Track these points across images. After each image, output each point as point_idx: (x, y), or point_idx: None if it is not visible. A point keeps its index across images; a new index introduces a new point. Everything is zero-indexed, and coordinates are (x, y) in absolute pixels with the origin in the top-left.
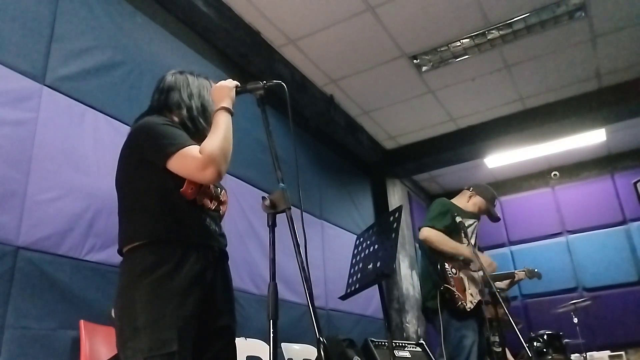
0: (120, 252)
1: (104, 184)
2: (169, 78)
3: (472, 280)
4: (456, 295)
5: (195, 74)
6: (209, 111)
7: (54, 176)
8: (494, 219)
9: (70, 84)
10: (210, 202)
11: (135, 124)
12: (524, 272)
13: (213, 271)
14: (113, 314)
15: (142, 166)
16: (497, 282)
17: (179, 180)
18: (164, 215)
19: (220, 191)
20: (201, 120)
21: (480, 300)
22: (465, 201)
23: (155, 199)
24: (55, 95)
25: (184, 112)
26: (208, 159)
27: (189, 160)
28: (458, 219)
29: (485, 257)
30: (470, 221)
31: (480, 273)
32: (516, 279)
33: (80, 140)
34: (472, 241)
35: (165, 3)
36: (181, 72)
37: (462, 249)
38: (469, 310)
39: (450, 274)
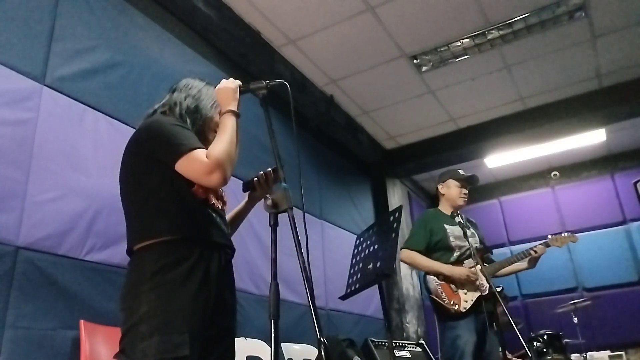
0: (130, 250)
1: (104, 184)
2: (182, 81)
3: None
4: (445, 302)
5: (211, 84)
6: (200, 114)
7: (54, 176)
8: (472, 180)
9: (70, 84)
10: (217, 201)
11: (146, 119)
12: (543, 245)
13: (225, 271)
14: (122, 310)
15: (153, 164)
16: (517, 265)
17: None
18: (179, 214)
19: (222, 192)
20: (188, 120)
21: (479, 296)
22: (445, 202)
23: (169, 196)
24: (55, 95)
25: (177, 109)
26: (215, 163)
27: (196, 164)
28: (437, 237)
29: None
30: (452, 227)
31: (478, 267)
32: (536, 254)
33: (80, 140)
34: (462, 242)
35: (165, 3)
36: (200, 80)
37: (438, 267)
38: (464, 310)
39: (436, 282)
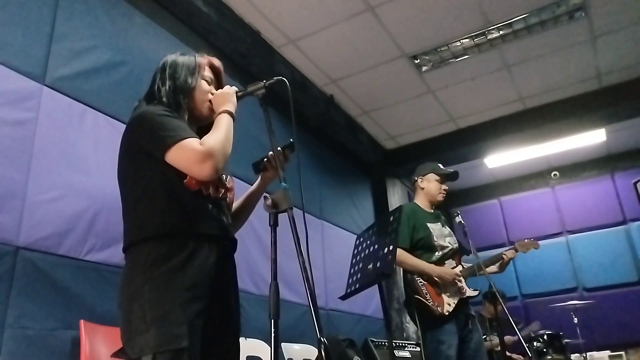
0: (125, 248)
1: (104, 184)
2: (160, 63)
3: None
4: (430, 304)
5: (185, 54)
6: (182, 91)
7: (54, 176)
8: (453, 176)
9: (70, 84)
10: (216, 190)
11: (133, 113)
12: (513, 250)
13: (225, 263)
14: (119, 307)
15: (143, 158)
16: (488, 268)
17: (181, 171)
18: (170, 208)
19: (225, 177)
20: (173, 104)
21: (461, 299)
22: (423, 197)
23: (160, 191)
24: (55, 95)
25: (159, 96)
26: (208, 152)
27: (188, 152)
28: (420, 235)
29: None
30: (434, 225)
31: (459, 268)
32: (506, 258)
33: (80, 140)
34: (444, 242)
35: (165, 3)
36: (172, 54)
37: (426, 267)
38: (447, 314)
39: (420, 282)
